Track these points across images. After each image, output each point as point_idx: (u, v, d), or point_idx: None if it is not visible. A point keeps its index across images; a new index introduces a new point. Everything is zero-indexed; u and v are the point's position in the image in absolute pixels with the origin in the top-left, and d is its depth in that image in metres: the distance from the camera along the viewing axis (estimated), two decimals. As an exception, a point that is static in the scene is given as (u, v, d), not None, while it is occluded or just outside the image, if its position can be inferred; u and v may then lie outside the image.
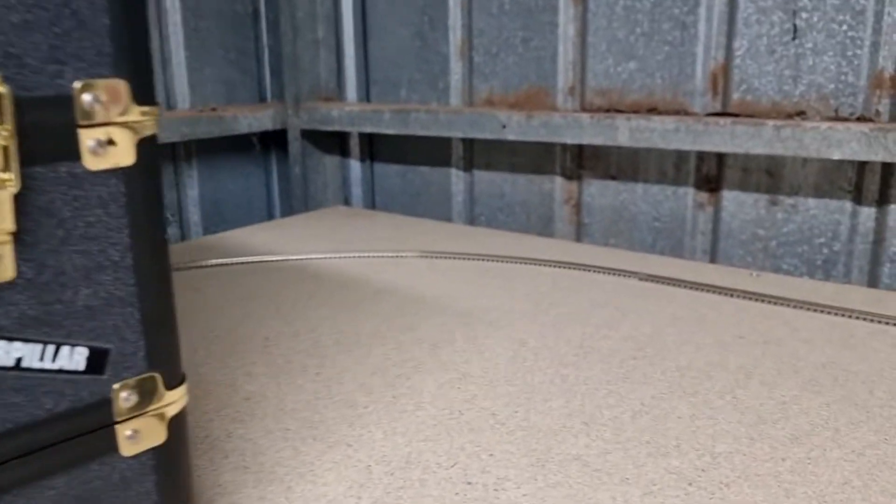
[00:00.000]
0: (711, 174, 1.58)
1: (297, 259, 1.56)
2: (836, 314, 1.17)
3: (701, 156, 1.58)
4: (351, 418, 0.88)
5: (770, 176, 1.51)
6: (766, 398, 0.91)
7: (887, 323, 1.13)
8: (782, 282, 1.37)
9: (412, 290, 1.34)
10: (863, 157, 1.29)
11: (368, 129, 1.96)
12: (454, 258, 1.54)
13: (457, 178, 1.99)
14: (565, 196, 1.79)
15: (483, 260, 1.53)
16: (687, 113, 1.56)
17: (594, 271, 1.42)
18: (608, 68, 1.66)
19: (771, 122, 1.37)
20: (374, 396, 0.93)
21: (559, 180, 1.80)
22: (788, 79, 1.45)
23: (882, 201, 1.40)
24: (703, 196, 1.59)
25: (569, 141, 1.63)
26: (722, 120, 1.43)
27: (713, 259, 1.61)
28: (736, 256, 1.58)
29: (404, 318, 1.19)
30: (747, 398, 0.91)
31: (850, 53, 1.38)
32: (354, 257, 1.57)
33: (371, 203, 2.21)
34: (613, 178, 1.72)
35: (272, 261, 1.55)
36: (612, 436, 0.82)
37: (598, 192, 1.74)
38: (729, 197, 1.57)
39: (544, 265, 1.48)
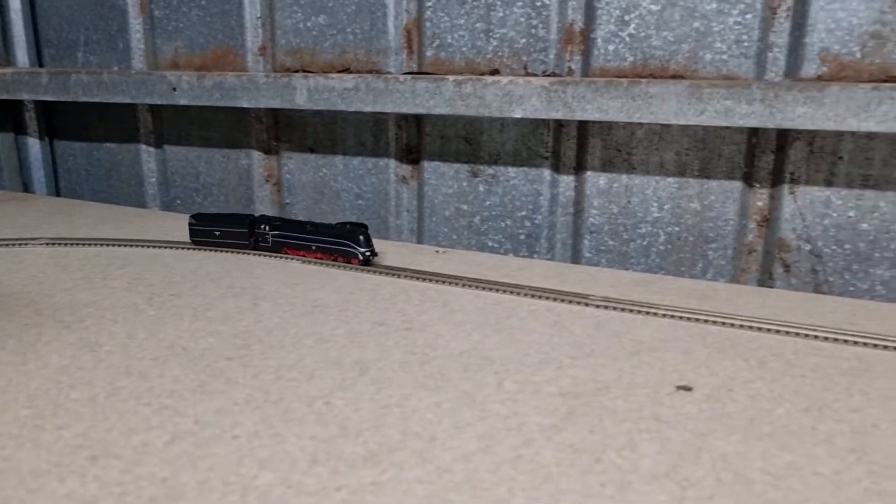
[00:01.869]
0: (412, 143, 1.40)
1: None
2: (500, 291, 1.02)
3: (399, 123, 1.40)
4: None
5: (469, 143, 1.35)
6: (368, 401, 0.71)
7: (547, 298, 0.99)
8: (466, 258, 1.21)
9: (6, 282, 1.04)
10: (543, 115, 1.15)
11: (25, 96, 1.61)
12: (87, 245, 1.25)
13: (147, 156, 1.69)
14: (265, 173, 1.55)
15: (119, 246, 1.25)
16: (381, 73, 1.38)
17: (261, 255, 1.19)
18: (297, 23, 1.44)
19: (452, 78, 1.20)
20: None
21: (256, 155, 1.55)
22: (481, 33, 1.30)
23: (579, 168, 1.28)
24: (406, 168, 1.41)
25: (245, 104, 1.39)
26: (402, 77, 1.25)
27: (420, 239, 1.43)
28: (441, 235, 1.41)
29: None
30: (342, 404, 0.70)
31: (538, 4, 1.25)
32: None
33: (55, 189, 1.85)
34: (312, 150, 1.50)
35: None
36: (118, 476, 0.59)
37: (298, 167, 1.52)
38: (430, 168, 1.40)
39: (197, 250, 1.23)
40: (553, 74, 1.25)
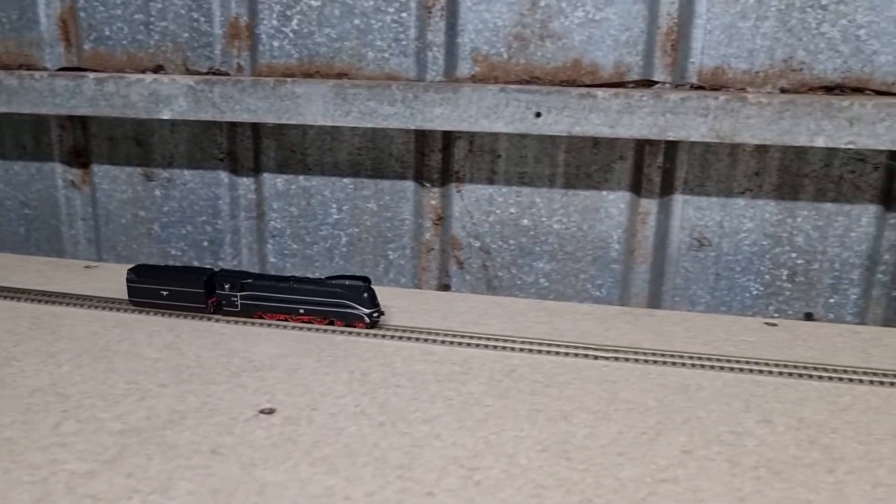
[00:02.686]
0: (79, 145, 1.28)
1: None
2: (123, 310, 0.94)
3: (62, 123, 1.27)
4: None
5: (139, 145, 1.25)
6: None
7: (170, 315, 0.93)
8: (121, 271, 1.12)
9: None
10: (192, 116, 1.08)
11: None
12: None
13: None
14: (-83, 181, 1.35)
15: None
16: (35, 68, 1.23)
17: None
18: (-64, 9, 1.26)
19: (92, 76, 1.10)
20: None
21: None
22: (141, 26, 1.20)
23: (257, 169, 1.22)
24: (76, 173, 1.29)
25: None
26: (39, 74, 1.13)
27: (99, 250, 1.31)
28: (121, 244, 1.30)
29: None
30: None
31: (200, -4, 1.17)
32: None
33: None
34: (-33, 154, 1.33)
35: None
36: None
37: (-47, 173, 1.34)
38: (101, 172, 1.28)
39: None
40: (218, 72, 1.18)
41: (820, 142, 0.94)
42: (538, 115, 0.98)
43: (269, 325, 0.91)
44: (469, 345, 0.86)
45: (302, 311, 0.91)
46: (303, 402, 0.72)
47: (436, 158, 1.17)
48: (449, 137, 1.16)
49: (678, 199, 1.13)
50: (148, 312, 0.94)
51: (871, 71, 1.04)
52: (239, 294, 0.92)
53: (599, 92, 0.98)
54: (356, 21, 1.13)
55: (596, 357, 0.83)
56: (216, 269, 0.95)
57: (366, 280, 0.91)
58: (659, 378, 0.79)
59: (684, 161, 1.11)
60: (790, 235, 1.12)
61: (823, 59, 1.04)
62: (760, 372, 0.80)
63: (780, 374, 0.80)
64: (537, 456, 0.64)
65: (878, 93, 1.04)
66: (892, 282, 1.11)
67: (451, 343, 0.86)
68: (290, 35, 1.15)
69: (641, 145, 1.11)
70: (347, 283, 0.92)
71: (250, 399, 0.72)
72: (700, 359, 0.83)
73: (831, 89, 1.04)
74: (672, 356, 0.83)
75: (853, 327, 0.97)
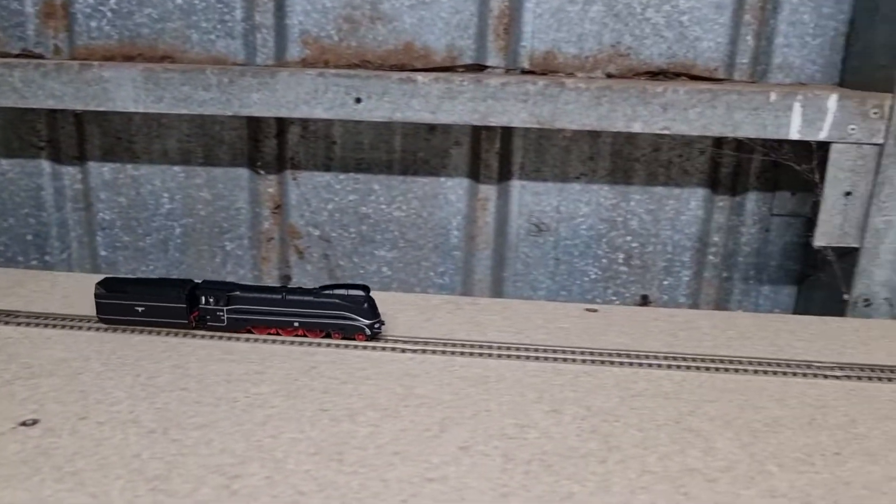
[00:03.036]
0: None
1: None
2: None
3: None
4: None
5: (-50, 132, 1.17)
6: None
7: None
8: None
9: None
10: (-9, 103, 1.01)
11: None
12: None
13: None
14: None
15: None
16: None
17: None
18: None
19: None
20: None
21: None
22: (-57, 3, 1.11)
23: (81, 157, 1.15)
24: None
25: None
26: None
27: (-87, 245, 1.22)
28: (-63, 240, 1.22)
29: None
30: None
31: (6, -29, 1.09)
32: None
33: None
34: None
35: None
36: None
37: None
38: None
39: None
40: (31, 54, 1.10)
41: (636, 127, 0.94)
42: (358, 100, 0.95)
43: (56, 327, 0.85)
44: (274, 342, 0.83)
45: (296, 324, 0.84)
46: (72, 411, 0.68)
47: (270, 145, 1.12)
48: (283, 123, 1.11)
49: (516, 185, 1.12)
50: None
51: (695, 56, 1.05)
52: (225, 308, 0.84)
53: (420, 77, 0.95)
54: (178, 0, 1.07)
55: (403, 350, 0.81)
56: (196, 281, 0.87)
57: (365, 289, 0.84)
58: (462, 370, 0.78)
59: (520, 146, 1.10)
60: (625, 219, 1.13)
61: (649, 44, 1.05)
62: (564, 360, 0.80)
63: (584, 361, 0.80)
64: (307, 459, 0.61)
65: (702, 78, 1.05)
66: (723, 263, 1.14)
67: (256, 341, 0.83)
68: (109, 15, 1.08)
69: (478, 131, 1.10)
70: (346, 292, 0.84)
71: (15, 410, 0.68)
72: (508, 348, 0.82)
73: (657, 74, 1.05)
74: (480, 346, 0.82)
75: (671, 311, 0.98)
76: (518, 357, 0.81)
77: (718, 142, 1.07)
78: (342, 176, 1.13)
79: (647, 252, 1.14)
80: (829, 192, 0.95)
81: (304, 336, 0.84)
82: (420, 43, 1.06)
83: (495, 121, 0.96)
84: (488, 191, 1.12)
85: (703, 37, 1.04)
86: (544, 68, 1.06)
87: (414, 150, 1.11)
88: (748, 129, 0.94)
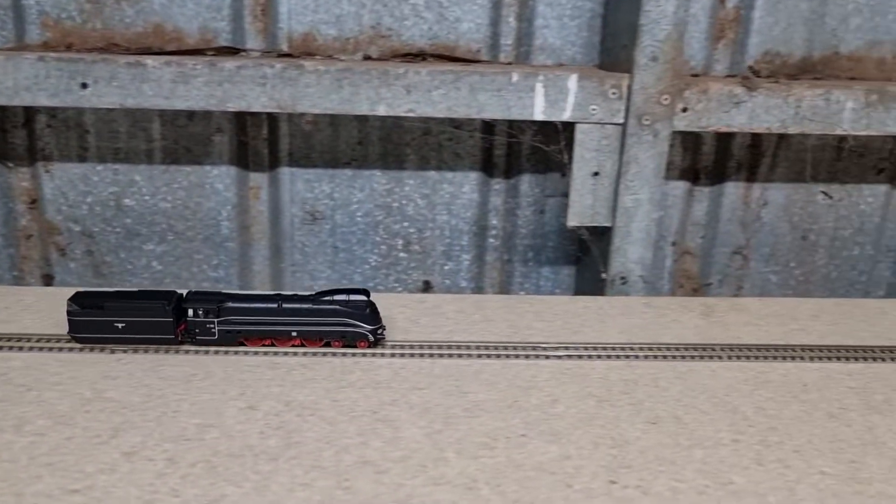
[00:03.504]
0: None
1: None
2: None
3: None
4: None
5: None
6: None
7: None
8: None
9: None
10: None
11: None
12: None
13: None
14: None
15: None
16: None
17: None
18: None
19: None
20: None
21: None
22: None
23: None
24: None
25: None
26: None
27: None
28: None
29: None
30: None
31: None
32: None
33: None
34: None
35: None
36: None
37: None
38: None
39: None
40: None
41: (381, 110, 0.92)
42: (84, 86, 0.89)
43: None
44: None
45: (294, 333, 0.77)
46: None
47: (20, 135, 1.04)
48: (30, 111, 1.04)
49: (286, 172, 1.08)
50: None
51: (456, 38, 1.03)
52: (216, 320, 0.76)
53: (150, 60, 0.90)
54: None
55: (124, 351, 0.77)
56: (180, 292, 0.78)
57: (365, 293, 0.78)
58: (171, 370, 0.74)
59: (286, 133, 1.07)
60: (400, 205, 1.11)
61: (410, 25, 1.02)
62: (285, 354, 0.77)
63: (296, 354, 0.77)
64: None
65: (465, 60, 1.04)
66: (503, 246, 1.14)
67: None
68: None
69: (242, 117, 1.05)
70: (347, 297, 0.78)
71: None
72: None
73: (418, 56, 1.03)
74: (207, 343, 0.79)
75: (423, 296, 0.97)
76: (237, 353, 0.77)
77: (489, 125, 1.07)
78: (99, 167, 1.06)
79: (425, 238, 1.12)
80: (578, 173, 0.96)
81: (302, 346, 0.78)
82: (171, 25, 1.01)
83: (233, 105, 0.92)
84: (259, 179, 1.08)
85: (463, 18, 1.03)
86: (304, 51, 1.02)
87: (175, 138, 1.06)
88: (493, 110, 0.93)
